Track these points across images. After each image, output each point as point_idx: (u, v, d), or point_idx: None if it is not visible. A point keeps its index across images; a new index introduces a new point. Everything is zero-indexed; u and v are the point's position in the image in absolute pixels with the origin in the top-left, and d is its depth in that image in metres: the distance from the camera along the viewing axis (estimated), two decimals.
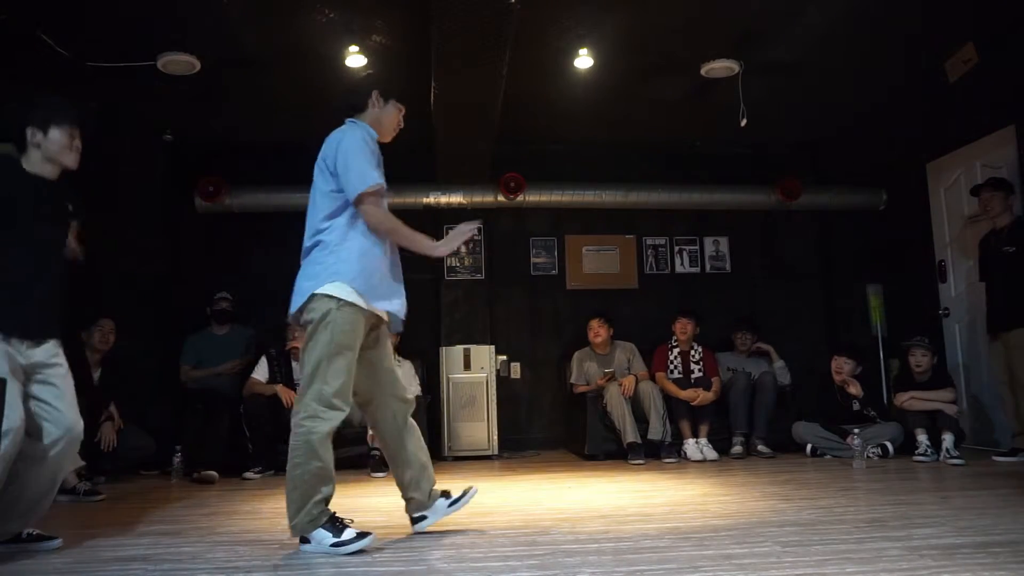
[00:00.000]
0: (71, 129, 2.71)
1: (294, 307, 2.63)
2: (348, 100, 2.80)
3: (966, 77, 4.84)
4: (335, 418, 2.53)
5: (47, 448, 2.60)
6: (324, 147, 2.67)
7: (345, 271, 2.56)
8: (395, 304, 2.71)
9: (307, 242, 2.66)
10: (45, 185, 2.71)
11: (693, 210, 6.49)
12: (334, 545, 2.46)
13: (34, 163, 2.69)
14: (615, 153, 6.41)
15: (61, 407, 2.64)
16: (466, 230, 2.72)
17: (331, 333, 2.52)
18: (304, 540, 2.54)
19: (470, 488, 2.89)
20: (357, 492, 3.99)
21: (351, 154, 2.58)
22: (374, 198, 2.59)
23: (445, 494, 2.84)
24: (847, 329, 6.24)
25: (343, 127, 2.72)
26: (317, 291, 2.55)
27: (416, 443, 2.83)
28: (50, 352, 2.67)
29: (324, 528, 2.49)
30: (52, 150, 2.68)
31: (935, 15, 4.35)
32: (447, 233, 2.88)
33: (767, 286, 6.56)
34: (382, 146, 2.79)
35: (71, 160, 2.73)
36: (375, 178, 2.59)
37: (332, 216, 2.62)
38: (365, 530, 2.52)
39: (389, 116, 2.80)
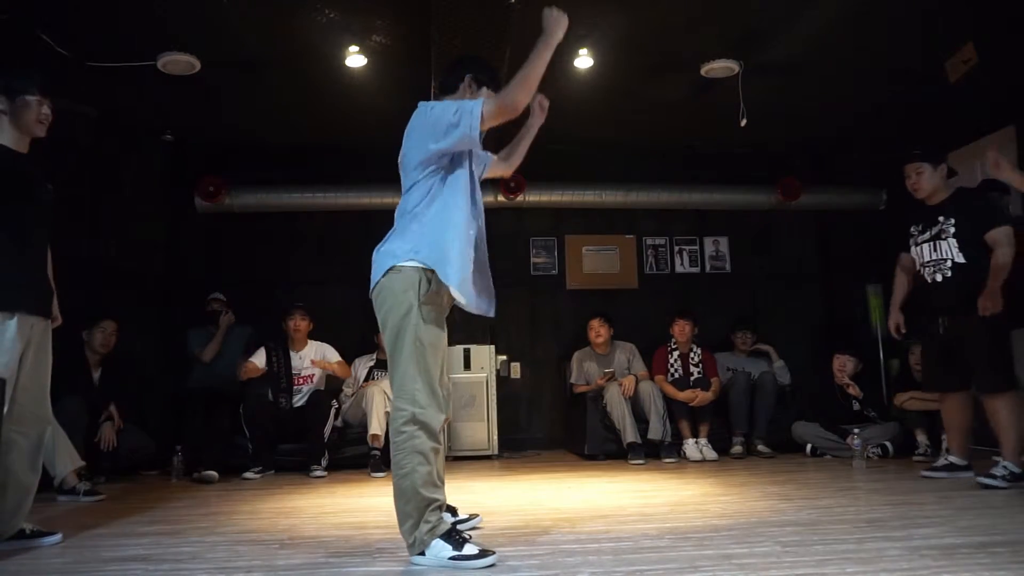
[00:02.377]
0: (40, 97, 2.72)
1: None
2: (443, 79, 2.68)
3: (966, 77, 4.83)
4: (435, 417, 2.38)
5: (22, 433, 2.65)
6: (410, 122, 2.56)
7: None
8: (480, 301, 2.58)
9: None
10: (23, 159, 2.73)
11: (693, 210, 6.50)
12: (454, 559, 2.25)
13: (3, 133, 2.70)
14: (615, 153, 6.40)
15: (36, 389, 2.71)
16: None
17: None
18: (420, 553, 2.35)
19: (476, 516, 2.94)
20: (357, 492, 3.99)
21: (449, 104, 2.49)
22: (488, 106, 2.46)
23: (451, 510, 2.83)
24: (847, 329, 6.23)
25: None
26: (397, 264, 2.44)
27: None
28: (45, 331, 2.72)
29: (442, 539, 2.30)
30: (23, 116, 2.69)
31: (935, 15, 4.35)
32: None
33: (767, 286, 6.56)
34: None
35: (40, 130, 2.74)
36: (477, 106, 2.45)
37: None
38: (487, 548, 2.30)
39: None
